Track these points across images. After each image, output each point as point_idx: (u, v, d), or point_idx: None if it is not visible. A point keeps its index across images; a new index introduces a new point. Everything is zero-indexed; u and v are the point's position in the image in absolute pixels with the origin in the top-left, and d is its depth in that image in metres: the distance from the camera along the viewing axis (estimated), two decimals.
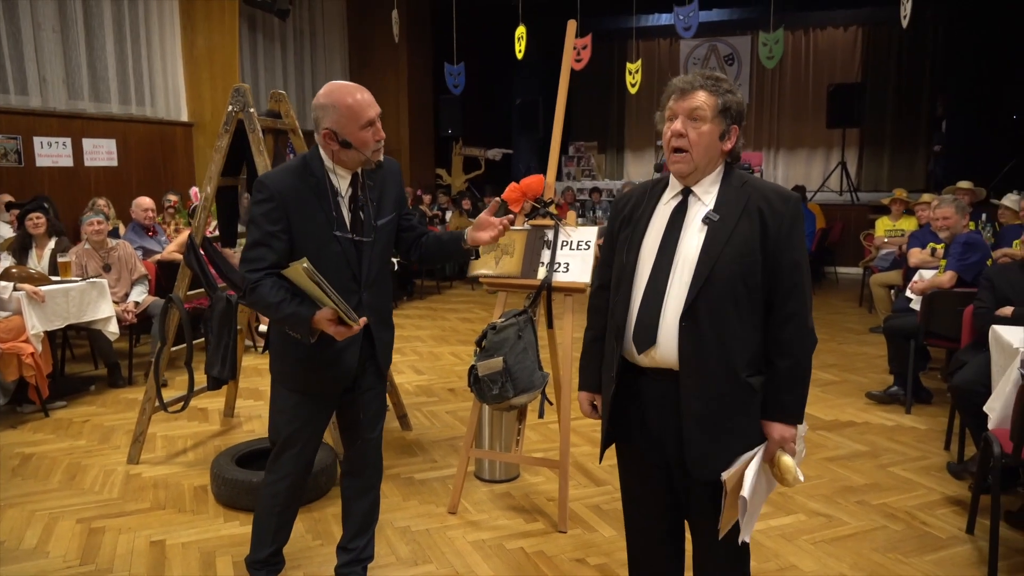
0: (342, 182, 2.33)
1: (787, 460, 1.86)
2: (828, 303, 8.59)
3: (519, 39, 8.52)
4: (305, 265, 2.09)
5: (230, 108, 3.66)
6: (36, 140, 7.60)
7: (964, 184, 7.09)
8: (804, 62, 14.20)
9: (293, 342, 2.31)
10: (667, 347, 1.84)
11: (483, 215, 2.46)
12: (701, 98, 1.83)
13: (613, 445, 2.09)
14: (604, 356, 2.03)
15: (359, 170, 2.34)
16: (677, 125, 1.85)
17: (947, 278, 4.59)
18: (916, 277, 5.09)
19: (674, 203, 1.92)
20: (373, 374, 2.52)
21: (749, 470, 1.83)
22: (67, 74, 7.93)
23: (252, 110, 3.66)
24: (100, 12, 8.23)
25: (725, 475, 1.82)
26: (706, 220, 1.84)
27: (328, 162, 2.31)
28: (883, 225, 7.94)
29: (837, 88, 11.88)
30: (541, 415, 3.38)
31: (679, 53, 14.58)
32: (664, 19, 13.18)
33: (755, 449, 1.85)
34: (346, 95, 2.22)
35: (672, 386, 1.86)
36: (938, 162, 12.23)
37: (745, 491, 1.80)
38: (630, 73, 8.77)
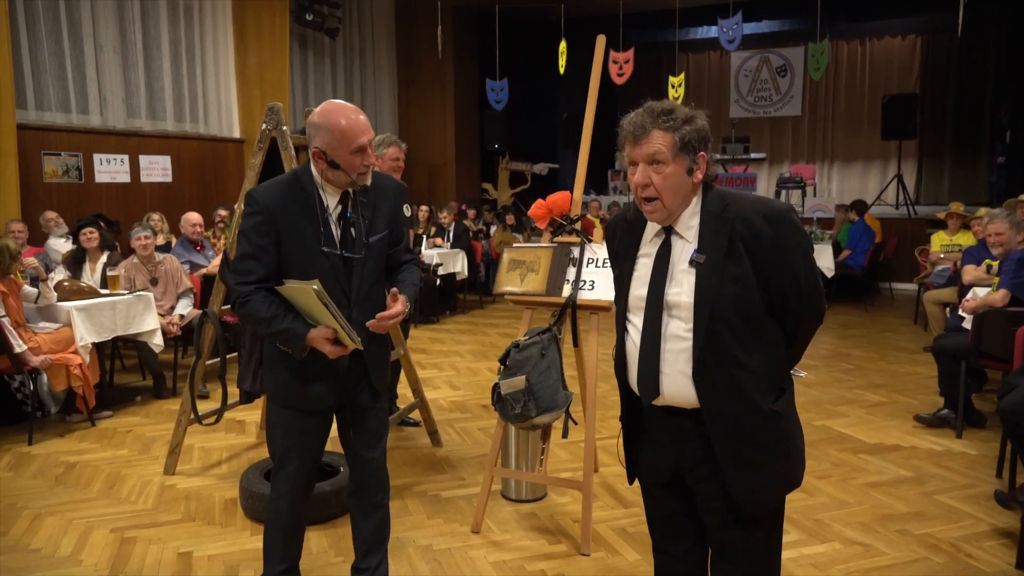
0: (331, 199, 2.34)
1: None
2: (881, 320, 8.30)
3: (561, 54, 8.52)
4: (316, 287, 2.12)
5: (264, 126, 3.74)
6: (96, 157, 7.91)
7: None
8: (859, 72, 13.86)
9: (283, 357, 2.34)
10: (673, 394, 1.80)
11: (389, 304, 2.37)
12: (657, 141, 1.73)
13: None
14: (621, 393, 2.00)
15: (351, 189, 2.35)
16: (638, 176, 1.76)
17: (1000, 296, 4.38)
18: (969, 295, 4.88)
19: (658, 242, 1.84)
20: (367, 392, 2.51)
21: None
22: (126, 93, 8.26)
23: (285, 128, 3.72)
24: (158, 33, 8.54)
25: None
26: (692, 263, 1.76)
27: (318, 178, 2.33)
28: (939, 240, 7.65)
29: (892, 99, 11.55)
30: (565, 435, 3.34)
31: (729, 65, 14.37)
32: (712, 31, 13.03)
33: None
34: (340, 118, 2.24)
35: (685, 421, 1.83)
36: (1001, 174, 11.75)
37: None
38: (672, 87, 8.69)
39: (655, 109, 1.77)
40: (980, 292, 4.79)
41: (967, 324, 4.63)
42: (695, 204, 1.80)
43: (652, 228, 1.86)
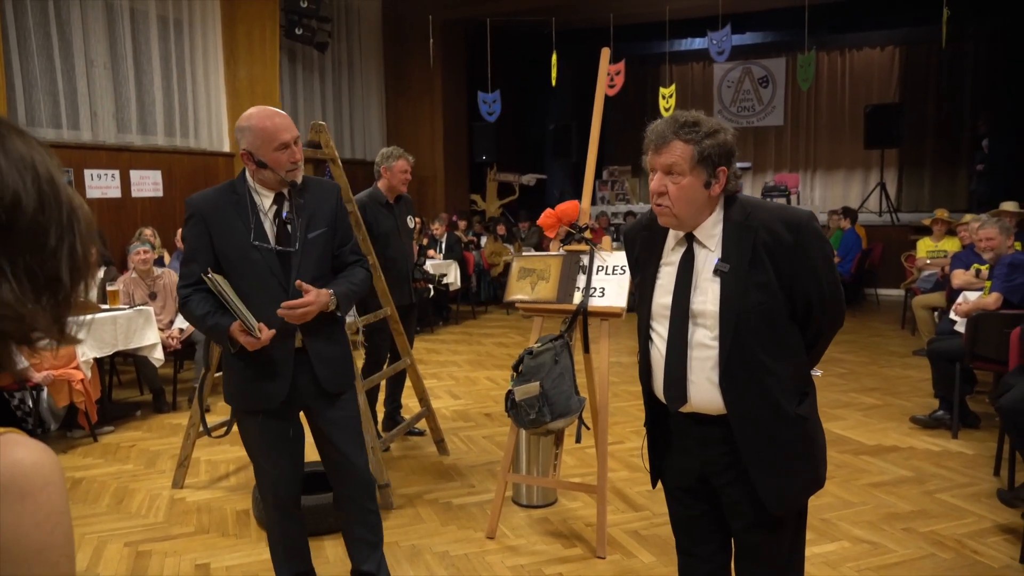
0: (264, 199, 2.46)
1: None
2: (869, 326, 8.44)
3: (552, 66, 8.62)
4: (208, 275, 2.31)
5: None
6: (87, 172, 7.87)
7: (1008, 206, 6.96)
8: (840, 83, 14.12)
9: (232, 360, 2.46)
10: (700, 401, 1.84)
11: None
12: (677, 151, 1.76)
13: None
14: (645, 399, 2.04)
15: (286, 190, 2.46)
16: (655, 183, 1.81)
17: (992, 299, 4.49)
18: (960, 299, 5.00)
19: (680, 250, 1.87)
20: (317, 392, 2.51)
21: None
22: (116, 108, 8.23)
23: None
24: (148, 48, 8.53)
25: None
26: (717, 272, 1.80)
27: (250, 181, 2.46)
28: (925, 246, 7.80)
29: (875, 109, 11.77)
30: (578, 440, 3.39)
31: (712, 76, 14.59)
32: (697, 43, 13.22)
33: None
34: (264, 119, 2.38)
35: (712, 427, 1.87)
36: (981, 181, 12.00)
37: None
38: (663, 98, 8.82)
39: (679, 120, 1.80)
40: (971, 296, 4.90)
41: (959, 327, 4.74)
42: (717, 214, 1.84)
43: (674, 237, 1.89)
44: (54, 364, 4.74)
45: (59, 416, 5.04)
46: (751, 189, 14.11)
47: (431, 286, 4.64)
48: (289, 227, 2.46)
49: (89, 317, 4.88)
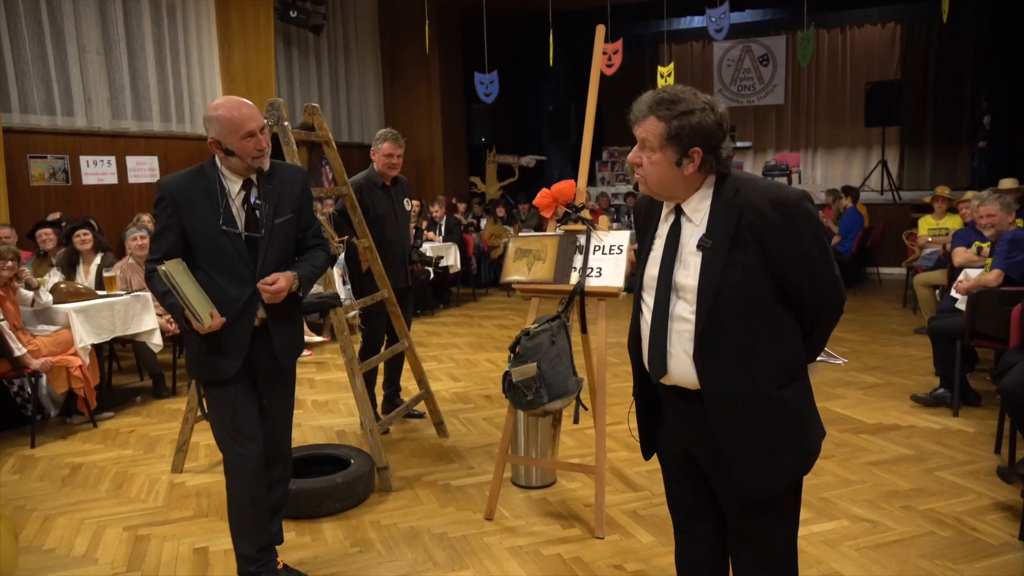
0: (233, 185, 2.55)
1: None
2: (870, 305, 8.41)
3: (549, 47, 8.54)
4: (163, 268, 2.43)
5: (265, 122, 3.72)
6: (83, 159, 7.84)
7: (1007, 183, 6.91)
8: (841, 61, 13.99)
9: (188, 333, 2.53)
10: (679, 374, 1.82)
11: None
12: (648, 127, 1.76)
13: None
14: (633, 372, 2.03)
15: (253, 176, 2.54)
16: (631, 155, 1.83)
17: (993, 276, 4.46)
18: (961, 276, 4.97)
19: (670, 221, 1.86)
20: (271, 367, 2.66)
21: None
22: (111, 94, 8.17)
23: (286, 123, 3.72)
24: (141, 33, 8.46)
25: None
26: (700, 246, 1.77)
27: (220, 167, 2.55)
28: (926, 224, 7.76)
29: (875, 86, 11.67)
30: (576, 421, 3.38)
31: (712, 55, 14.46)
32: (696, 22, 13.11)
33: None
34: (231, 109, 2.47)
35: (694, 403, 1.84)
36: (983, 158, 11.93)
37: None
38: (662, 77, 8.73)
39: (659, 96, 1.76)
40: (972, 273, 4.87)
41: (960, 305, 4.71)
42: (705, 190, 1.80)
43: (667, 207, 1.88)
44: (52, 351, 4.73)
45: (58, 402, 5.04)
46: (752, 168, 14.04)
47: (429, 268, 4.60)
48: (257, 213, 2.56)
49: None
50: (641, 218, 2.01)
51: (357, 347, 4.56)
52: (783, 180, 11.92)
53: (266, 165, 2.56)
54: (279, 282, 2.52)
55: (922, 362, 5.73)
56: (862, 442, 4.21)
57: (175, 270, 2.44)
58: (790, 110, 14.39)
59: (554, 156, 14.30)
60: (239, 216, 2.54)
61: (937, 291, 6.68)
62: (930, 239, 7.52)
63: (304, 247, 2.73)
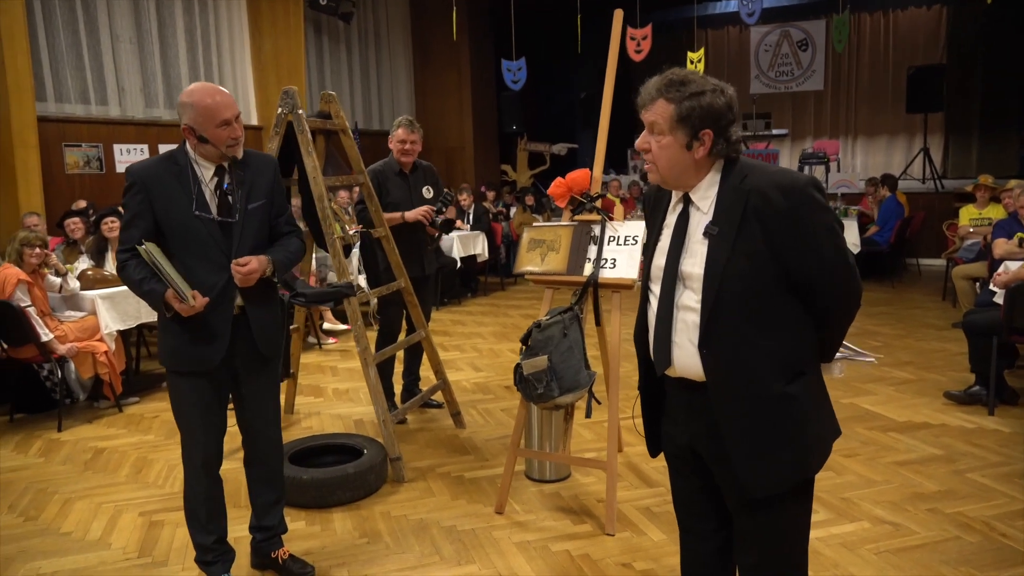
0: (206, 171, 2.52)
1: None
2: (908, 297, 8.17)
3: (577, 32, 8.41)
4: (143, 246, 2.38)
5: (280, 110, 3.72)
6: (116, 148, 7.96)
7: None
8: (883, 44, 13.55)
9: (169, 322, 2.51)
10: (683, 365, 1.78)
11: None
12: (657, 110, 1.71)
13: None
14: (639, 367, 1.97)
15: (226, 163, 2.51)
16: (639, 140, 1.77)
17: None
18: (1001, 268, 4.77)
19: (678, 209, 1.81)
20: (251, 356, 2.63)
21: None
22: (144, 83, 8.28)
23: (301, 112, 3.70)
24: (173, 22, 8.55)
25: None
26: (706, 234, 1.72)
27: (192, 153, 2.51)
28: (967, 214, 7.48)
29: (918, 71, 11.29)
30: (588, 415, 3.31)
31: (749, 40, 14.13)
32: (732, 6, 12.80)
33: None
34: (205, 96, 2.43)
35: (699, 395, 1.78)
36: None
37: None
38: (691, 63, 8.55)
39: (668, 78, 1.73)
40: (1012, 266, 4.67)
41: (999, 299, 4.53)
42: (713, 176, 1.76)
43: (676, 196, 1.83)
44: (78, 336, 4.81)
45: (86, 387, 5.13)
46: (789, 156, 13.72)
47: (439, 233, 4.51)
48: (230, 198, 2.53)
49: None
50: (649, 208, 1.96)
51: (372, 336, 4.55)
52: (820, 168, 11.63)
53: (240, 154, 2.53)
54: (251, 263, 2.49)
55: (958, 357, 5.52)
56: (890, 440, 4.07)
57: (155, 250, 2.41)
58: (829, 96, 14.00)
59: (587, 144, 14.13)
60: (212, 202, 2.51)
61: (977, 284, 6.45)
62: (971, 229, 7.25)
63: (278, 234, 2.70)
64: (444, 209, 4.37)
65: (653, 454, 2.03)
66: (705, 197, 1.76)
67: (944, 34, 13.03)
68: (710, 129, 1.69)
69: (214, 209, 2.50)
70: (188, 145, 2.51)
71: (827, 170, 11.49)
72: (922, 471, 3.67)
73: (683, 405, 1.85)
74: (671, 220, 1.83)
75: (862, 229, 8.89)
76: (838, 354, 1.91)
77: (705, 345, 1.72)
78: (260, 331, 2.62)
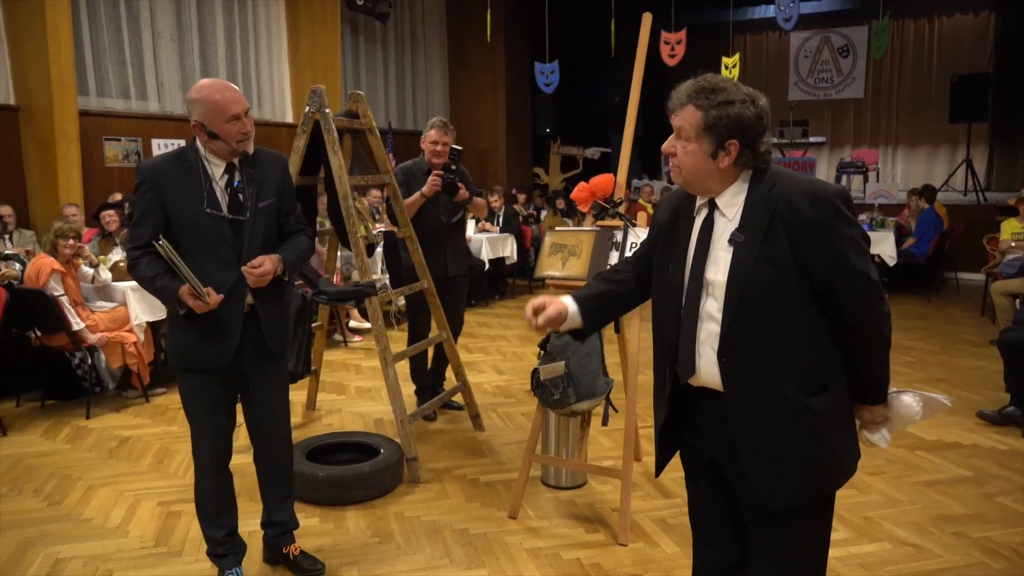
0: (216, 168, 2.51)
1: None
2: (945, 312, 7.97)
3: (611, 35, 8.36)
4: (160, 242, 2.36)
5: (307, 109, 3.75)
6: (154, 142, 8.10)
7: None
8: (927, 52, 13.26)
9: (178, 319, 2.52)
10: (706, 375, 1.75)
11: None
12: (685, 115, 1.70)
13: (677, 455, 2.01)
14: (657, 375, 1.94)
15: (236, 160, 2.51)
16: (666, 144, 1.76)
17: None
18: None
19: (702, 215, 1.78)
20: (259, 353, 2.63)
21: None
22: (183, 79, 8.42)
23: (328, 111, 3.73)
24: (213, 20, 8.69)
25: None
26: (731, 241, 1.70)
27: (202, 150, 2.50)
28: (1009, 228, 7.27)
29: (961, 79, 11.01)
30: (605, 422, 3.28)
31: (789, 46, 13.92)
32: (770, 11, 12.62)
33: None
34: (214, 92, 2.42)
35: (719, 405, 1.76)
36: None
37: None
38: (726, 68, 8.44)
39: (699, 84, 1.71)
40: None
41: None
42: (741, 184, 1.73)
43: (700, 201, 1.81)
44: (109, 327, 4.91)
45: (116, 376, 5.23)
46: (827, 165, 13.49)
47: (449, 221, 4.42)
48: (240, 196, 2.52)
49: None
50: (670, 214, 1.89)
51: (393, 335, 4.57)
52: (859, 178, 11.42)
53: (250, 149, 2.52)
54: (264, 265, 2.48)
55: (994, 376, 5.36)
56: (917, 459, 3.96)
57: (170, 246, 2.40)
58: (870, 104, 13.73)
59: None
60: (223, 199, 2.50)
61: (1017, 300, 6.26)
62: (1013, 243, 7.05)
63: (287, 232, 2.69)
64: (453, 168, 4.23)
65: (658, 473, 2.01)
66: (731, 204, 1.73)
67: (991, 42, 12.70)
68: (736, 139, 1.67)
69: (225, 207, 2.49)
70: (198, 142, 2.50)
71: (865, 179, 11.28)
72: (949, 492, 3.56)
73: (706, 414, 1.82)
74: (693, 226, 1.80)
75: (899, 241, 8.70)
76: (906, 395, 1.83)
77: (725, 354, 1.70)
78: (270, 328, 2.62)
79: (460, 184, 4.17)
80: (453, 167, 4.16)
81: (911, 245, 8.71)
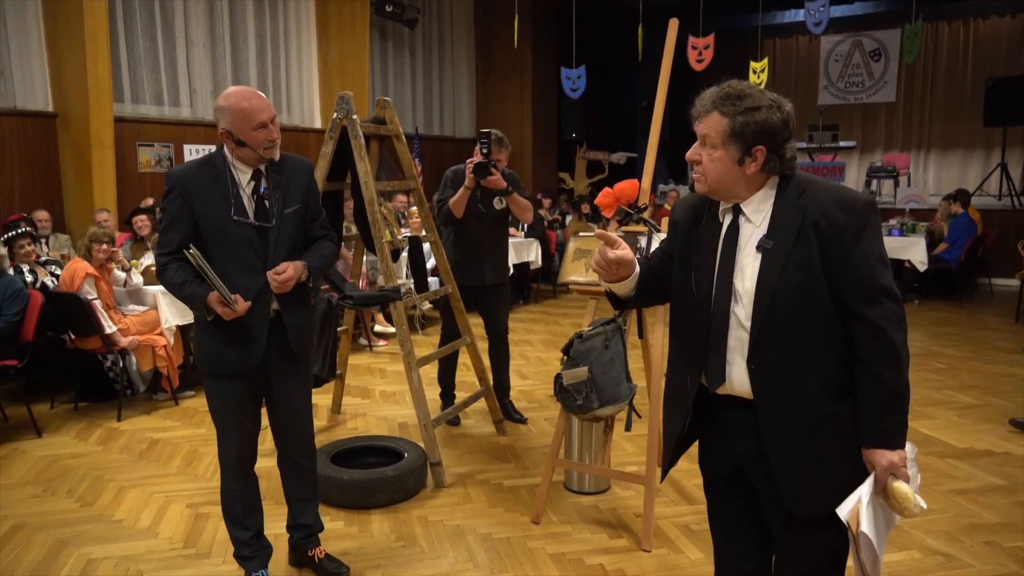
0: (243, 176, 2.55)
1: (901, 487, 1.65)
2: (977, 318, 7.82)
3: (639, 40, 8.35)
4: (191, 251, 2.41)
5: (335, 115, 3.80)
6: (186, 148, 8.24)
7: None
8: (961, 55, 13.03)
9: (205, 324, 2.56)
10: (738, 383, 1.75)
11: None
12: (710, 123, 1.69)
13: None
14: (674, 383, 1.92)
15: (263, 166, 2.54)
16: (690, 152, 1.75)
17: None
18: None
19: (727, 221, 1.77)
20: (284, 358, 2.66)
21: (862, 504, 1.65)
22: (214, 86, 8.57)
23: (355, 116, 3.77)
24: (245, 28, 8.83)
25: (845, 515, 1.65)
26: (759, 248, 1.69)
27: (230, 157, 2.53)
28: None
29: (996, 82, 10.82)
30: (628, 428, 3.27)
31: (819, 50, 13.78)
32: (800, 15, 12.50)
33: (865, 482, 1.68)
34: (242, 100, 2.46)
35: (747, 413, 1.76)
36: None
37: (864, 526, 1.62)
38: (754, 72, 8.38)
39: (724, 91, 1.71)
40: None
41: None
42: (768, 190, 1.73)
43: (724, 206, 1.80)
44: (140, 330, 5.00)
45: (147, 379, 5.32)
46: (857, 170, 13.32)
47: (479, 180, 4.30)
48: (267, 202, 2.55)
49: None
50: (685, 216, 1.89)
51: (417, 340, 4.59)
52: (889, 183, 11.25)
53: (276, 156, 2.55)
54: (288, 271, 2.51)
55: None
56: (948, 467, 3.90)
57: (200, 255, 2.43)
58: (902, 108, 13.53)
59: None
60: (249, 206, 2.54)
61: None
62: None
63: (313, 238, 2.73)
64: (485, 151, 4.15)
65: (663, 478, 2.01)
66: (758, 211, 1.73)
67: None
68: (763, 146, 1.67)
69: (251, 214, 2.54)
70: (226, 149, 2.54)
71: (896, 184, 11.12)
72: (981, 501, 3.50)
73: (734, 423, 1.81)
74: (715, 233, 1.79)
75: (931, 246, 8.57)
76: (909, 470, 1.71)
77: (754, 361, 1.70)
78: (294, 333, 2.65)
79: (494, 169, 4.13)
80: (485, 150, 4.15)
81: (943, 251, 8.57)
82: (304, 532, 2.92)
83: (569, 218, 10.77)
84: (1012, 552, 3.03)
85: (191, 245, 2.43)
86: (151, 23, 7.87)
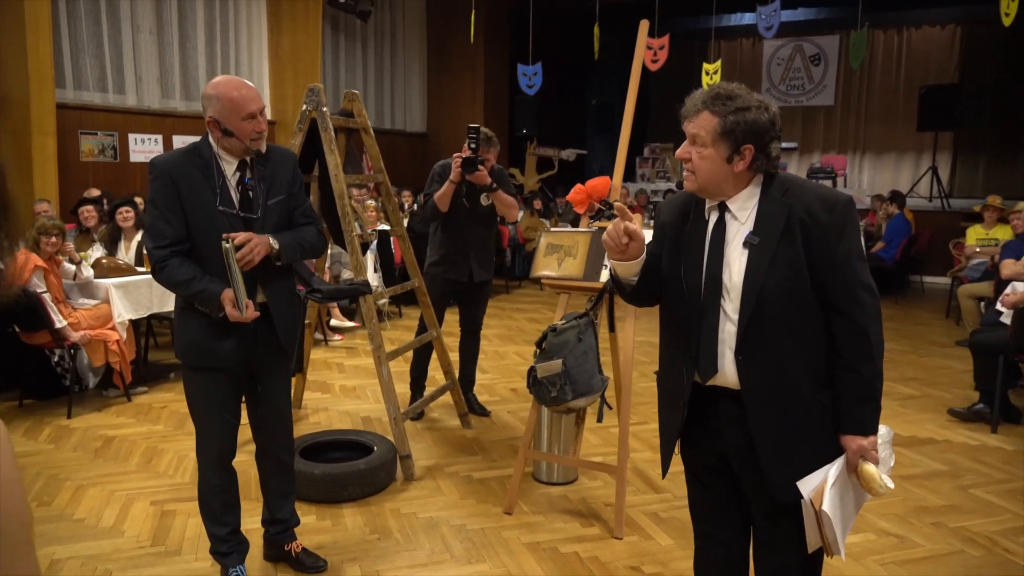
0: (228, 166, 2.51)
1: (869, 469, 1.77)
2: (912, 314, 8.20)
3: (595, 39, 8.46)
4: (226, 245, 2.36)
5: (304, 107, 3.77)
6: (131, 137, 8.01)
7: None
8: (896, 62, 13.60)
9: (193, 316, 2.51)
10: (729, 374, 1.82)
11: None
12: (701, 122, 1.76)
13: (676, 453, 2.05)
14: (669, 378, 1.98)
15: (248, 157, 2.50)
16: (680, 150, 1.82)
17: None
18: (1008, 289, 4.81)
19: (713, 218, 1.84)
20: (270, 351, 2.64)
21: (827, 484, 1.76)
22: (161, 74, 8.33)
23: (325, 109, 3.75)
24: (194, 15, 8.61)
25: (808, 494, 1.76)
26: (746, 244, 1.77)
27: (215, 147, 2.49)
28: (975, 234, 7.53)
29: (930, 89, 11.33)
30: (599, 419, 3.34)
31: (762, 53, 14.19)
32: (747, 19, 12.85)
33: (833, 462, 1.79)
34: (231, 89, 2.42)
35: (735, 404, 1.83)
36: None
37: (825, 505, 1.73)
38: (707, 74, 8.60)
39: (715, 91, 1.77)
40: (1020, 287, 4.71)
41: (1006, 319, 4.57)
42: (753, 188, 1.80)
43: (709, 204, 1.86)
44: (91, 324, 4.85)
45: (98, 373, 5.16)
46: (796, 170, 13.76)
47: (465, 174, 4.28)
48: (251, 193, 2.52)
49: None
50: (671, 217, 1.95)
51: (386, 335, 4.58)
52: (827, 183, 11.68)
53: (263, 147, 2.52)
54: (253, 239, 2.40)
55: (962, 375, 5.57)
56: (895, 455, 4.10)
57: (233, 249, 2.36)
58: (839, 112, 14.05)
59: (596, 150, 14.20)
60: (235, 197, 2.50)
61: (982, 303, 6.49)
62: (978, 249, 7.30)
63: (296, 226, 2.67)
64: (473, 147, 4.15)
65: (664, 474, 2.06)
66: (744, 208, 1.80)
67: (958, 54, 13.08)
68: (752, 144, 1.74)
69: (236, 204, 2.49)
70: (211, 138, 2.49)
71: (833, 184, 11.54)
72: (926, 485, 3.70)
73: (722, 413, 1.87)
74: (702, 230, 1.85)
75: (867, 245, 8.94)
76: (882, 453, 1.83)
77: (741, 353, 1.77)
78: (282, 325, 2.62)
79: (481, 166, 4.14)
80: (473, 146, 4.16)
81: (880, 249, 8.94)
82: (281, 527, 2.91)
83: (521, 214, 10.83)
84: (957, 532, 3.22)
85: (229, 237, 2.35)
86: (95, 6, 7.61)
